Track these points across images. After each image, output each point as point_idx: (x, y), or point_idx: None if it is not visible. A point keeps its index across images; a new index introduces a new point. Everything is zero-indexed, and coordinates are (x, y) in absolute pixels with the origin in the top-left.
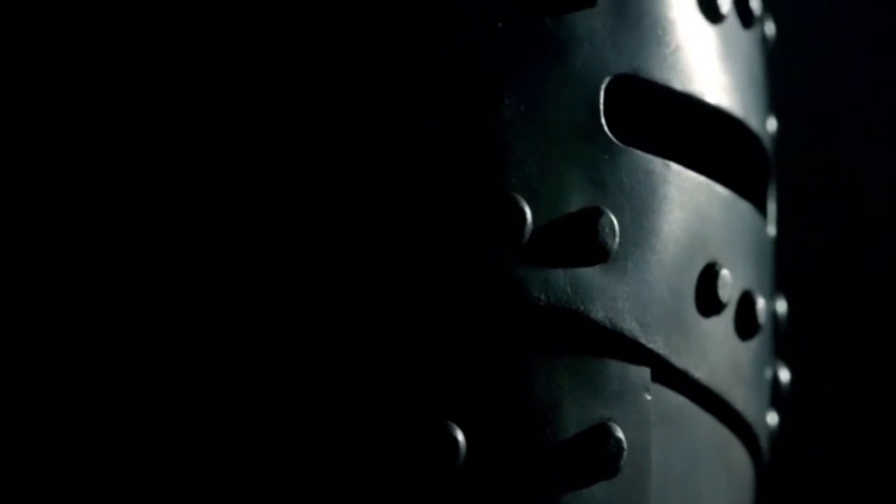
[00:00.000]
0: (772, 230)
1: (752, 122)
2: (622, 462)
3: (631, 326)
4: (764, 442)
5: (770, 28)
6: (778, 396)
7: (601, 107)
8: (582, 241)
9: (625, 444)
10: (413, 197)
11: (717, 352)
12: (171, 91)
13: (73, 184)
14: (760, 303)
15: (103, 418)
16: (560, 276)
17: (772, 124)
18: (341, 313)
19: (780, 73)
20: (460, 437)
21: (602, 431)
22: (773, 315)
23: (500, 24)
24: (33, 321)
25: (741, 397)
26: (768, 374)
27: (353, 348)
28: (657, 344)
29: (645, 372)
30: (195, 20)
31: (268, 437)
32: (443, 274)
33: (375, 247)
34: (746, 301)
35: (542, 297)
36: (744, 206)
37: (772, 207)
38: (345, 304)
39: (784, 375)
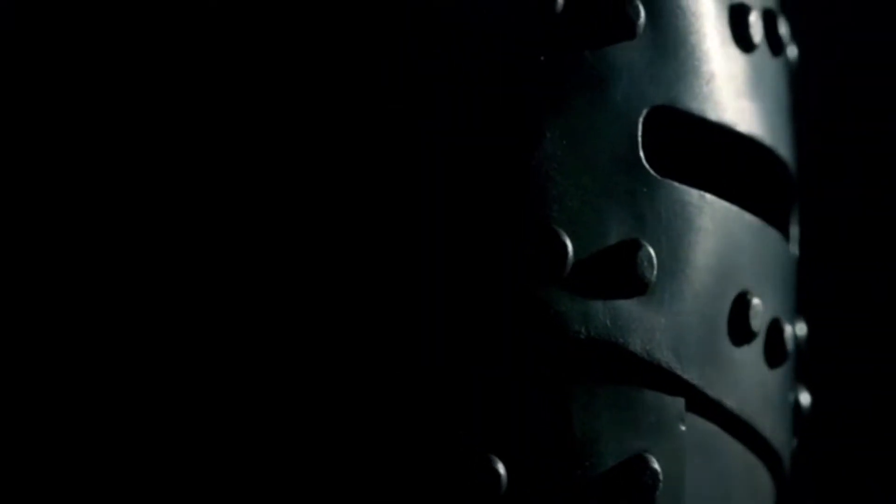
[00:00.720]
0: (795, 253)
1: (780, 148)
2: (658, 493)
3: (667, 357)
4: (786, 466)
5: (793, 52)
6: (798, 420)
7: (639, 139)
8: (621, 274)
9: (660, 476)
10: (455, 231)
11: (747, 381)
12: (171, 91)
13: (73, 184)
14: (788, 331)
15: (103, 418)
16: (600, 308)
17: (796, 148)
18: (382, 347)
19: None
20: (501, 469)
21: (639, 463)
22: (797, 340)
23: (542, 58)
24: (33, 321)
25: (769, 424)
26: (791, 398)
27: (396, 383)
28: (692, 374)
29: (680, 402)
30: (195, 20)
31: (311, 467)
32: (485, 308)
33: (415, 278)
34: (775, 329)
35: (583, 330)
36: (772, 234)
37: (794, 230)
38: (384, 338)
39: (805, 399)
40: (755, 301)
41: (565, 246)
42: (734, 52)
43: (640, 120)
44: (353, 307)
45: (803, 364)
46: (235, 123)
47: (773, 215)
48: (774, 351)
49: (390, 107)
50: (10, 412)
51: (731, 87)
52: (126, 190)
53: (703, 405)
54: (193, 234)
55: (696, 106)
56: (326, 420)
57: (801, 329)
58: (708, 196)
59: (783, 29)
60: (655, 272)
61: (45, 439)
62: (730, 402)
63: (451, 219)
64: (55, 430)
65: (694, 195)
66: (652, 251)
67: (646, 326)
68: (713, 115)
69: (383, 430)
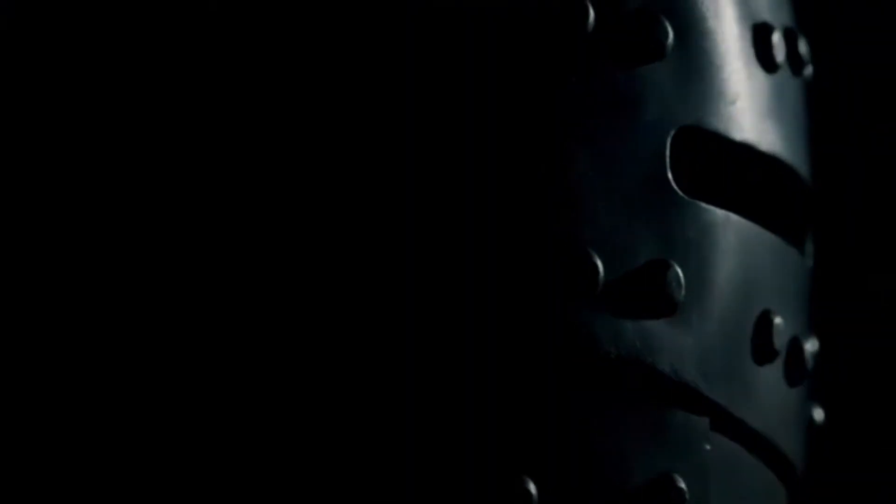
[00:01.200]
0: (810, 268)
1: (800, 166)
2: None
3: (694, 377)
4: (801, 482)
5: (808, 70)
6: (812, 436)
7: (667, 159)
8: (651, 295)
9: (687, 495)
10: (485, 252)
11: (769, 399)
12: (172, 91)
13: (73, 184)
14: (807, 349)
15: (103, 418)
16: (629, 328)
17: (812, 164)
18: (409, 366)
19: None
20: (533, 489)
21: (665, 482)
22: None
23: (573, 78)
24: (33, 321)
25: (789, 443)
26: (807, 415)
27: (427, 403)
28: (717, 394)
29: (705, 422)
30: (196, 20)
31: (338, 490)
32: (517, 329)
33: (445, 298)
34: (795, 348)
35: (613, 350)
36: (791, 252)
37: (810, 246)
38: (413, 357)
39: (818, 415)
40: (777, 320)
41: (596, 267)
42: (758, 72)
43: (669, 140)
44: (378, 326)
45: (817, 379)
46: (236, 123)
47: (788, 230)
48: (794, 369)
49: (416, 126)
50: (10, 412)
51: (754, 107)
52: (125, 190)
53: (727, 424)
54: (194, 234)
55: (720, 126)
56: (352, 440)
57: (814, 345)
58: (732, 216)
59: (803, 48)
60: (683, 292)
61: (46, 439)
62: (752, 420)
63: (480, 239)
64: (55, 430)
65: (720, 215)
66: (680, 271)
67: (674, 346)
68: (737, 134)
69: (414, 450)
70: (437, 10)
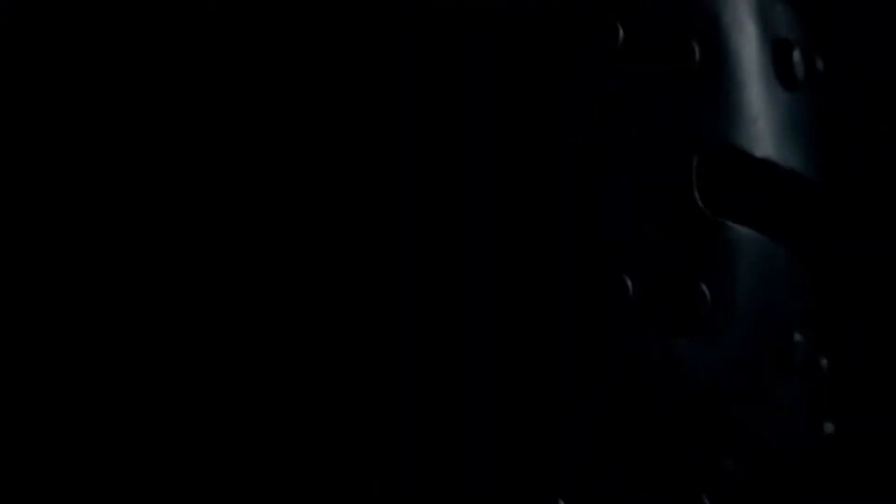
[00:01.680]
0: (822, 278)
1: (817, 181)
2: None
3: (718, 395)
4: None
5: (825, 85)
6: (821, 449)
7: (694, 179)
8: (678, 313)
9: None
10: (511, 272)
11: (788, 415)
12: (173, 91)
13: (73, 183)
14: (824, 364)
15: (103, 418)
16: (657, 347)
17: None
18: (443, 396)
19: None
20: None
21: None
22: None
23: (600, 98)
24: (33, 321)
25: (803, 457)
26: (818, 428)
27: (469, 428)
28: (740, 411)
29: (728, 440)
30: (195, 22)
31: None
32: (546, 351)
33: (476, 321)
34: (812, 364)
35: (641, 367)
36: (808, 268)
37: (822, 259)
38: (446, 387)
39: (828, 428)
40: (797, 337)
41: (626, 287)
42: (780, 91)
43: (695, 160)
44: (394, 344)
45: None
46: (236, 123)
47: (802, 242)
48: (811, 385)
49: (442, 145)
50: (10, 412)
51: (775, 124)
52: (125, 189)
53: (749, 441)
54: (194, 234)
55: (744, 144)
56: (391, 471)
57: (827, 359)
58: (756, 234)
59: (820, 64)
60: (710, 310)
61: (46, 439)
62: (772, 438)
63: (507, 260)
64: (55, 430)
65: (743, 234)
66: (707, 290)
67: (699, 364)
68: (759, 151)
69: (451, 476)
70: (437, 11)
